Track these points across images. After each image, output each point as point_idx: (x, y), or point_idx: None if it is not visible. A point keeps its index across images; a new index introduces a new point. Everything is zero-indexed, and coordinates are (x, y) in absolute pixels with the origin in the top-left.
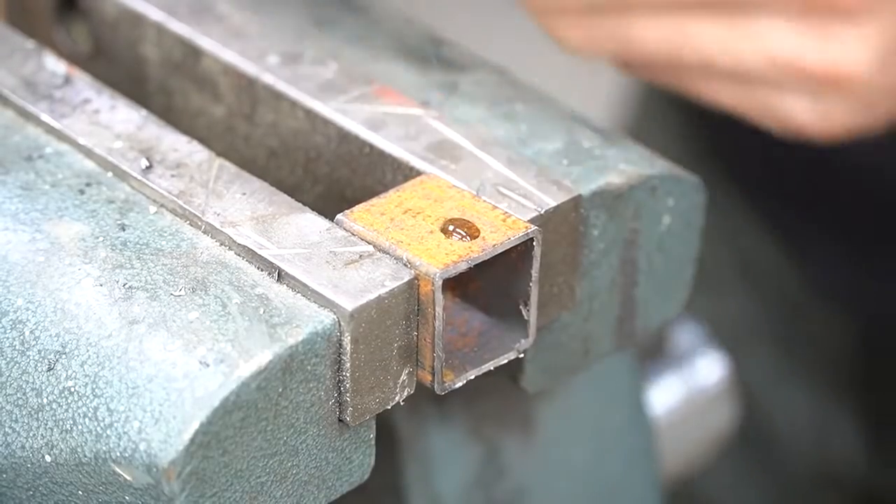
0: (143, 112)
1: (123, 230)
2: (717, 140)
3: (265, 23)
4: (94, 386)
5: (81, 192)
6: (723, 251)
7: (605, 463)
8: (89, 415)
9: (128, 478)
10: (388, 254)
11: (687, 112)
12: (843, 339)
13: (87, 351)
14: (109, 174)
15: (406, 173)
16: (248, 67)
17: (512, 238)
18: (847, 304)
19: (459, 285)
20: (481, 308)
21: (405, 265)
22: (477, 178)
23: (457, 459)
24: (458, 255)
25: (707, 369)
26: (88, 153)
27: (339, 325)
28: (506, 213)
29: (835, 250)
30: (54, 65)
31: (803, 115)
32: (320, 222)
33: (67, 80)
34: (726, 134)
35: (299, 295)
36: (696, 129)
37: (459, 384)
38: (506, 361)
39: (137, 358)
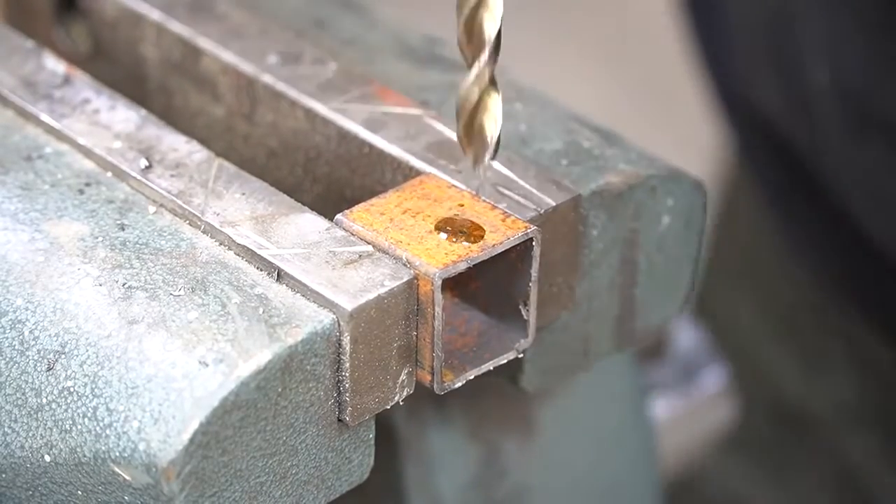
0: (143, 112)
1: (123, 230)
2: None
3: (265, 23)
4: (94, 386)
5: (81, 191)
6: (830, 336)
7: (605, 463)
8: (88, 415)
9: (127, 478)
10: (387, 254)
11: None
12: None
13: (87, 351)
14: (109, 174)
15: (406, 173)
16: (248, 67)
17: (511, 238)
18: None
19: (459, 285)
20: (481, 308)
21: (404, 265)
22: (476, 178)
23: (456, 460)
24: (458, 255)
25: (709, 376)
26: (88, 153)
27: (339, 324)
28: (505, 212)
29: None
30: (54, 65)
31: None
32: (320, 222)
33: (67, 80)
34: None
35: (299, 295)
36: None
37: (459, 384)
38: (505, 361)
39: (137, 358)
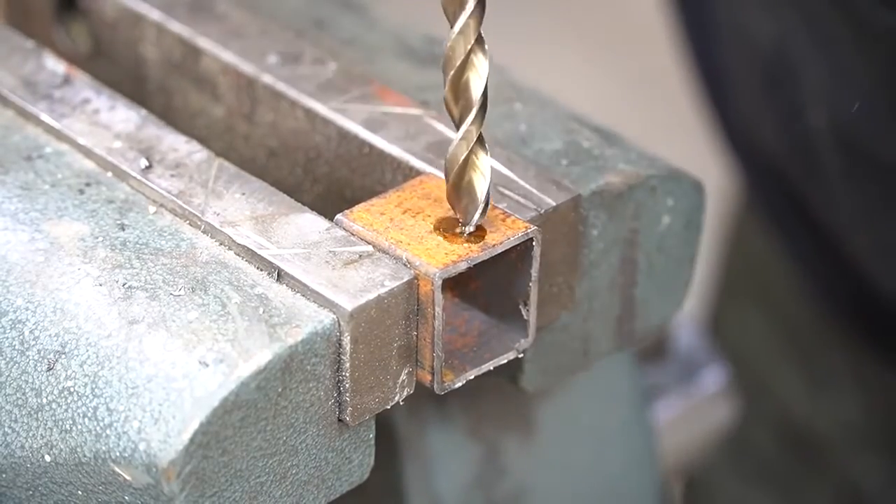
0: (143, 112)
1: (123, 230)
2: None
3: (265, 23)
4: (94, 386)
5: (81, 191)
6: (837, 357)
7: (605, 463)
8: (89, 415)
9: (127, 477)
10: (387, 254)
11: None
12: None
13: (87, 351)
14: (109, 174)
15: (406, 173)
16: (248, 67)
17: (512, 238)
18: None
19: (459, 285)
20: (481, 308)
21: (405, 265)
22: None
23: (456, 459)
24: (458, 255)
25: (709, 376)
26: (88, 153)
27: (339, 324)
28: (505, 212)
29: None
30: (54, 65)
31: None
32: (320, 222)
33: (67, 80)
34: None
35: (299, 295)
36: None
37: (459, 384)
38: (505, 361)
39: (137, 358)
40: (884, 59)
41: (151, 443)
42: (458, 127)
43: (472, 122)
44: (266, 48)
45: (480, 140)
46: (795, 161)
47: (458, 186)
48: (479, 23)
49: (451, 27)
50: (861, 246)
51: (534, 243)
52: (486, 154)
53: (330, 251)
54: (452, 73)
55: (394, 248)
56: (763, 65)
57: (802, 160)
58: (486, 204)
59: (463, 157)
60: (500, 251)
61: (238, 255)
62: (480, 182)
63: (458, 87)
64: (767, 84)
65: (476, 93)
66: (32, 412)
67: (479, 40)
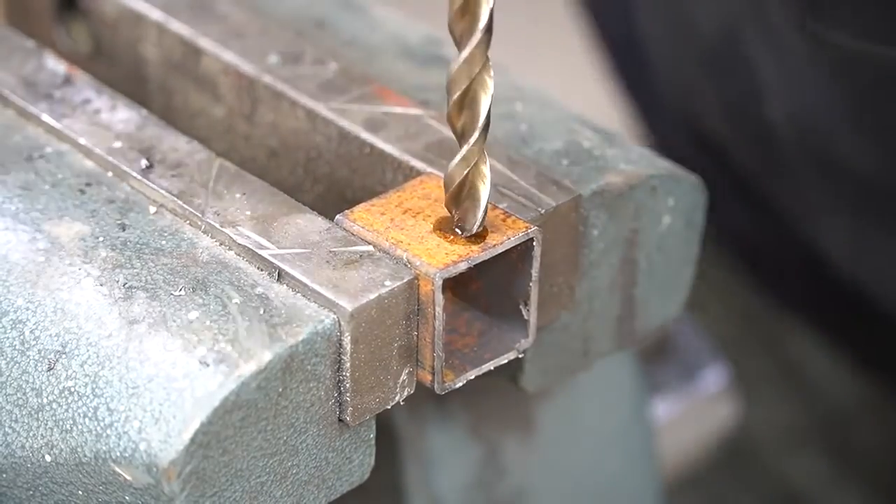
0: (143, 112)
1: (123, 230)
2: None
3: (265, 23)
4: (94, 386)
5: (81, 191)
6: (769, 359)
7: (605, 463)
8: (89, 415)
9: (128, 478)
10: (387, 254)
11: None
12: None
13: (87, 351)
14: (109, 174)
15: (406, 173)
16: (248, 67)
17: (512, 238)
18: None
19: (459, 285)
20: (481, 308)
21: (405, 265)
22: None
23: (457, 460)
24: (458, 255)
25: (709, 376)
26: (88, 153)
27: (339, 324)
28: (506, 212)
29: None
30: (54, 65)
31: None
32: (320, 222)
33: (67, 80)
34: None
35: (299, 295)
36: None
37: (459, 384)
38: (506, 361)
39: (137, 358)
40: (830, 67)
41: (152, 443)
42: (460, 146)
43: (475, 143)
44: (266, 48)
45: (481, 159)
46: (749, 148)
47: (458, 201)
48: (487, 46)
49: (459, 50)
50: (825, 231)
51: (534, 243)
52: (486, 180)
53: (330, 251)
54: (458, 93)
55: (394, 249)
56: (707, 50)
57: (758, 148)
58: (484, 215)
59: (460, 179)
60: (500, 251)
61: (238, 255)
62: (478, 204)
63: (462, 107)
64: (715, 72)
65: (481, 115)
66: (33, 412)
67: (486, 64)
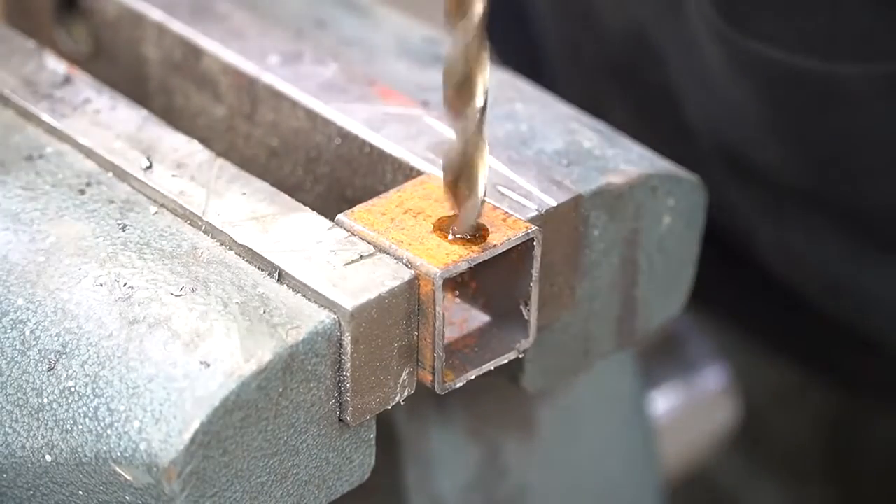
0: (144, 112)
1: (124, 230)
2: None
3: (265, 23)
4: (95, 386)
5: (82, 191)
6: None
7: (605, 463)
8: (90, 415)
9: (128, 478)
10: (388, 254)
11: None
12: (810, 436)
13: (88, 351)
14: (110, 174)
15: (406, 173)
16: (249, 67)
17: (512, 238)
18: (815, 407)
19: (460, 285)
20: (481, 308)
21: (405, 265)
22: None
23: (457, 460)
24: (459, 255)
25: (709, 375)
26: (89, 153)
27: (340, 324)
28: (506, 212)
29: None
30: (54, 65)
31: None
32: (321, 222)
33: (68, 80)
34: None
35: (300, 295)
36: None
37: (460, 384)
38: (506, 361)
39: (138, 358)
40: (749, 76)
41: (152, 443)
42: (458, 124)
43: (473, 133)
44: (267, 48)
45: (478, 152)
46: (669, 151)
47: (455, 191)
48: (483, 30)
49: (454, 36)
50: (760, 242)
51: (534, 243)
52: (485, 158)
53: (331, 251)
54: (454, 81)
55: (395, 248)
56: (615, 48)
57: (678, 153)
58: (481, 206)
59: (456, 172)
60: (500, 251)
61: (239, 255)
62: (474, 197)
63: (460, 96)
64: (623, 71)
65: (478, 103)
66: (33, 412)
67: (482, 50)
